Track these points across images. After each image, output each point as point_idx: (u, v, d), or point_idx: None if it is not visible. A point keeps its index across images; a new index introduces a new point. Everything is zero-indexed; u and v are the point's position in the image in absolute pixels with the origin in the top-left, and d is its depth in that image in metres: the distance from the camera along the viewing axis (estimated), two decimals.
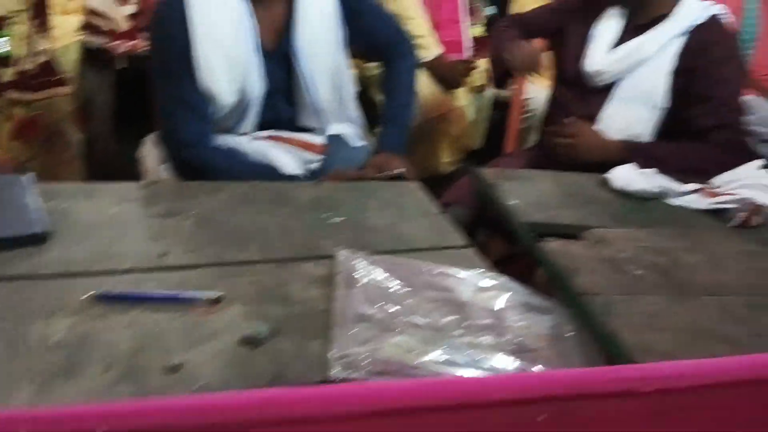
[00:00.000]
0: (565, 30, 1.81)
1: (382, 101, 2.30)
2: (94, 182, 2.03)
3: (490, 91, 2.68)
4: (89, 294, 0.88)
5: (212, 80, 1.33)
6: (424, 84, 2.35)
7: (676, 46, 1.63)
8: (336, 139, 1.60)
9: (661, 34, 1.64)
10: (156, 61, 1.37)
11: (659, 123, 1.66)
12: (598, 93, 1.69)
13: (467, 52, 2.51)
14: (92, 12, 2.23)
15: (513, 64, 1.72)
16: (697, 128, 1.61)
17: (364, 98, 2.39)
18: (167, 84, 1.35)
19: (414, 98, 1.63)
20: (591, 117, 1.69)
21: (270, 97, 1.46)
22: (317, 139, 1.54)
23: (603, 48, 1.69)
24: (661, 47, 1.63)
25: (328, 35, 1.47)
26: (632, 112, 1.65)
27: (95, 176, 2.20)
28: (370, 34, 1.58)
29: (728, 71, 1.62)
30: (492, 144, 2.61)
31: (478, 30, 2.68)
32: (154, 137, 1.50)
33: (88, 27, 2.22)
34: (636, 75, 1.65)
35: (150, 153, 1.48)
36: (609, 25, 1.71)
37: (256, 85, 1.39)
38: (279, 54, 1.45)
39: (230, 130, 1.45)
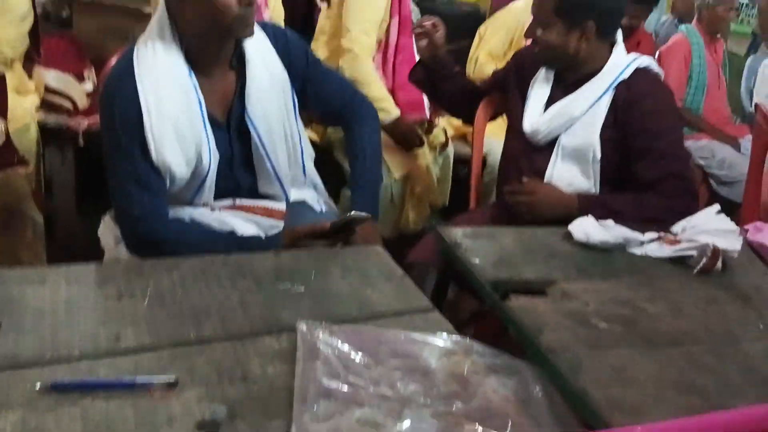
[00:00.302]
0: (507, 92, 1.88)
1: (346, 165, 2.36)
2: (56, 263, 2.01)
3: (452, 148, 2.73)
4: (39, 385, 0.84)
5: (163, 154, 1.33)
6: (386, 146, 2.38)
7: (606, 101, 1.68)
8: (299, 205, 1.59)
9: (589, 92, 1.68)
10: (107, 137, 1.36)
11: (604, 176, 1.69)
12: (543, 150, 1.73)
13: (427, 111, 2.55)
14: (50, 90, 2.23)
15: None
16: (644, 181, 1.65)
17: (329, 161, 2.42)
18: (118, 160, 1.34)
19: (380, 160, 1.65)
20: (540, 173, 1.73)
21: (227, 166, 1.46)
22: (279, 206, 1.54)
23: (537, 108, 1.74)
24: (590, 104, 1.67)
25: (280, 104, 1.48)
26: (574, 167, 1.69)
27: (58, 256, 2.16)
28: (323, 100, 1.60)
29: (663, 122, 1.66)
30: (459, 200, 2.63)
31: None
32: (111, 215, 1.48)
33: (46, 105, 2.22)
34: (571, 132, 1.69)
35: (108, 231, 1.46)
36: (542, 85, 1.76)
37: (209, 157, 1.39)
38: (231, 124, 1.46)
39: (188, 201, 1.44)
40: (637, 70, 1.69)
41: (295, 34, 1.55)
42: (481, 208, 1.98)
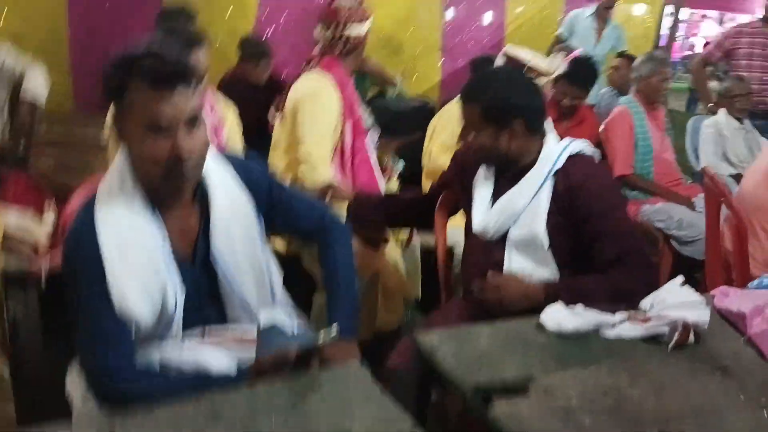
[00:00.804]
0: (456, 191, 1.94)
1: (315, 272, 2.36)
2: (26, 425, 1.93)
3: (418, 240, 2.75)
4: None
5: (128, 306, 1.30)
6: (355, 247, 2.40)
7: (546, 190, 1.72)
8: (269, 329, 1.57)
9: (528, 184, 1.73)
10: (70, 292, 1.33)
11: (560, 262, 1.72)
12: (497, 244, 1.77)
13: None
14: (9, 233, 2.20)
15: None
16: (604, 261, 1.68)
17: (297, 270, 2.41)
18: (82, 316, 1.31)
19: (354, 278, 1.63)
20: (498, 266, 1.76)
21: (195, 301, 1.44)
22: (249, 332, 1.51)
23: (484, 206, 1.79)
24: (531, 195, 1.72)
25: (246, 234, 1.48)
26: (529, 257, 1.72)
27: (28, 412, 2.07)
28: (292, 224, 1.61)
29: (608, 202, 1.70)
30: (433, 290, 2.63)
31: (395, 185, 2.81)
32: (77, 366, 1.44)
33: (5, 249, 2.19)
34: (518, 224, 1.73)
35: (75, 384, 1.41)
36: (484, 183, 1.81)
37: (174, 299, 1.38)
38: (197, 260, 1.45)
39: (156, 338, 1.42)
40: (571, 157, 1.74)
41: (257, 162, 1.58)
42: (453, 300, 1.98)
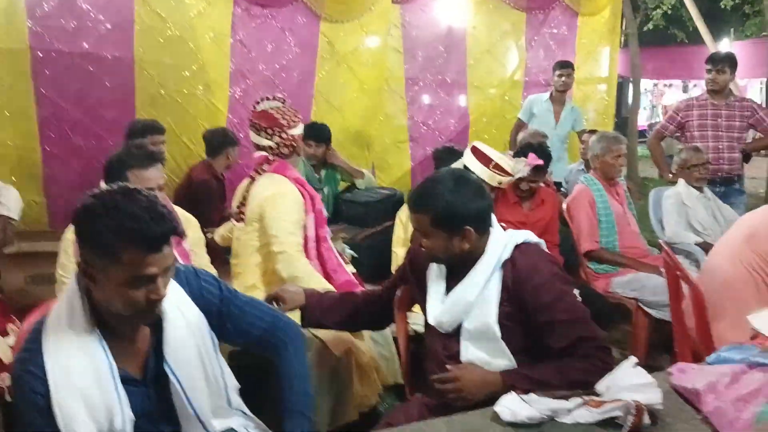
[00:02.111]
0: (411, 285, 1.98)
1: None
2: None
3: (390, 329, 2.75)
4: None
5: (74, 427, 1.33)
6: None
7: (495, 281, 1.76)
8: None
9: (477, 277, 1.77)
10: (20, 414, 1.36)
11: (514, 350, 1.74)
12: (453, 336, 1.80)
13: (360, 288, 2.63)
14: None
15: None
16: (557, 350, 1.71)
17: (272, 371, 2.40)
18: None
19: (309, 382, 1.66)
20: (455, 358, 1.78)
21: (147, 421, 1.46)
22: None
23: (438, 300, 1.83)
24: (481, 287, 1.76)
25: (198, 347, 1.52)
26: (483, 347, 1.75)
27: None
28: (244, 331, 1.64)
29: (554, 292, 1.74)
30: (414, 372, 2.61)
31: (350, 269, 2.88)
32: None
33: None
34: (471, 317, 1.76)
35: None
36: (436, 278, 1.86)
37: (121, 421, 1.39)
38: (148, 379, 1.48)
39: None
40: (517, 247, 1.79)
41: (208, 273, 1.63)
42: (415, 395, 1.98)
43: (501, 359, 1.74)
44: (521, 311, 1.74)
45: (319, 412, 2.43)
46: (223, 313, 1.59)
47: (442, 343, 1.82)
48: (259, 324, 1.66)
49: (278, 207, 2.51)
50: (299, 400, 1.60)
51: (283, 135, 2.58)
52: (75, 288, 1.40)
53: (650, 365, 2.94)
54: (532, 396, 1.53)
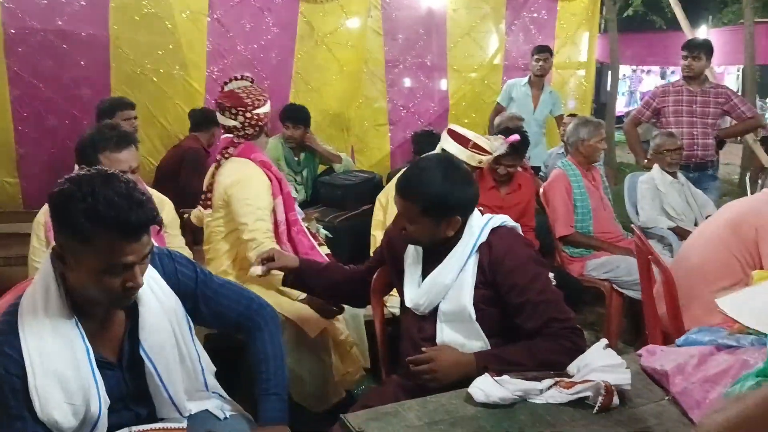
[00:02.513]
0: (387, 267, 1.99)
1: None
2: None
3: (361, 312, 2.76)
4: None
5: (49, 411, 1.33)
6: (298, 311, 2.44)
7: (472, 264, 1.78)
8: (202, 414, 1.59)
9: (454, 259, 1.79)
10: None
11: (489, 332, 1.77)
12: (429, 318, 1.82)
13: None
14: None
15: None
16: (529, 330, 1.74)
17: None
18: (4, 419, 1.33)
19: (284, 364, 1.67)
20: (431, 340, 1.80)
21: (122, 403, 1.46)
22: (180, 424, 1.52)
23: (414, 282, 1.84)
24: (458, 270, 1.78)
25: (173, 331, 1.52)
26: (458, 329, 1.77)
27: None
28: (219, 314, 1.64)
29: (528, 274, 1.76)
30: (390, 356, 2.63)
31: (324, 250, 2.87)
32: None
33: None
34: (448, 299, 1.78)
35: None
36: (413, 261, 1.87)
37: (98, 403, 1.40)
38: (123, 362, 1.48)
39: None
40: (494, 230, 1.81)
41: (182, 256, 1.63)
42: (389, 378, 2.00)
43: (476, 341, 1.77)
44: (496, 294, 1.77)
45: (305, 396, 2.45)
46: (198, 295, 1.59)
47: (417, 326, 1.84)
48: (235, 307, 1.66)
49: (245, 193, 2.47)
50: (274, 382, 1.61)
51: (248, 114, 2.52)
52: (50, 271, 1.39)
53: (622, 348, 3.01)
54: (505, 377, 1.56)
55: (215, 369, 1.66)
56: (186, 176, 3.66)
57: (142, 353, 1.46)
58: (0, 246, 2.74)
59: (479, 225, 1.81)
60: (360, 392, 2.72)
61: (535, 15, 5.67)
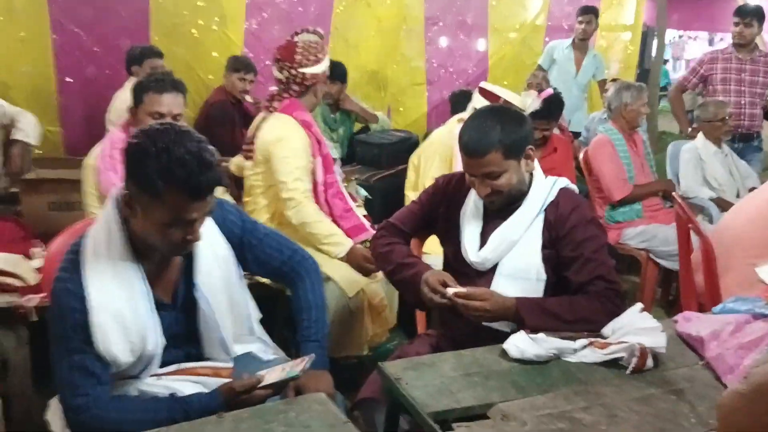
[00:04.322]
0: (435, 220, 1.97)
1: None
2: None
3: None
4: None
5: (109, 347, 1.39)
6: (338, 268, 2.47)
7: (539, 223, 1.81)
8: (245, 357, 1.64)
9: (521, 218, 1.81)
10: (54, 329, 1.42)
11: (545, 293, 1.78)
12: (484, 273, 1.82)
13: (370, 230, 2.66)
14: None
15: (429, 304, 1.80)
16: (574, 285, 1.75)
17: (284, 302, 2.46)
18: (64, 352, 1.39)
19: (325, 313, 1.72)
20: None
21: (174, 342, 1.52)
22: (226, 364, 1.58)
23: (475, 239, 1.84)
24: (526, 227, 1.80)
25: (226, 276, 1.58)
26: (517, 286, 1.77)
27: None
28: (263, 262, 1.69)
29: (587, 231, 1.79)
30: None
31: (361, 211, 2.89)
32: (57, 399, 1.49)
33: None
34: (512, 255, 1.80)
35: (55, 416, 1.47)
36: (473, 216, 1.86)
37: (154, 343, 1.46)
38: (178, 303, 1.54)
39: (134, 376, 1.48)
40: (561, 190, 1.84)
41: (230, 204, 1.67)
42: (431, 330, 2.02)
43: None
44: (556, 255, 1.78)
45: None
46: (244, 243, 1.64)
47: (469, 278, 1.81)
48: (278, 256, 1.71)
49: (285, 151, 2.48)
50: (315, 329, 1.66)
51: (293, 71, 2.53)
52: (113, 214, 1.44)
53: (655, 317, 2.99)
54: (540, 335, 1.57)
55: (260, 316, 1.71)
56: (216, 129, 3.69)
57: (196, 295, 1.52)
58: (45, 191, 2.80)
59: (548, 184, 1.84)
60: (385, 350, 2.75)
61: None
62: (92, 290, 1.39)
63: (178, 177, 1.32)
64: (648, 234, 3.38)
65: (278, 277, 1.77)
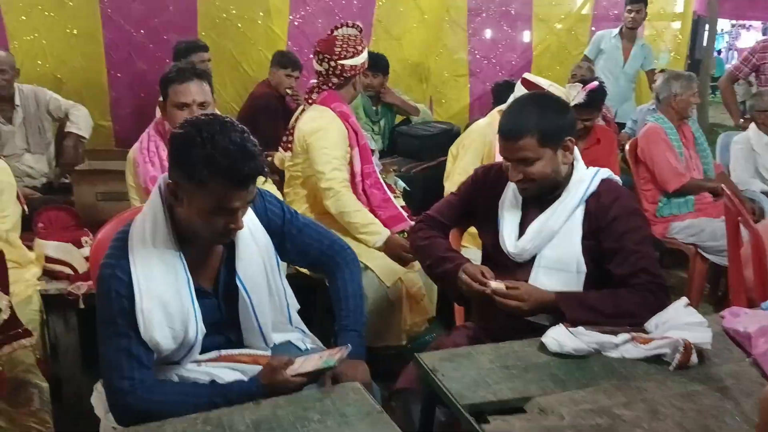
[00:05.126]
0: (474, 211, 1.96)
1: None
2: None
3: None
4: None
5: (152, 332, 1.43)
6: (376, 257, 2.49)
7: (580, 213, 1.77)
8: (284, 345, 1.67)
9: (562, 208, 1.77)
10: (100, 313, 1.46)
11: (587, 286, 1.75)
12: (523, 264, 1.80)
13: (408, 220, 2.67)
14: (50, 260, 2.36)
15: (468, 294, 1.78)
16: (617, 278, 1.71)
17: (323, 293, 2.49)
18: (110, 336, 1.43)
19: (363, 304, 1.73)
20: None
21: (214, 329, 1.56)
22: (264, 352, 1.61)
23: (514, 229, 1.82)
24: (566, 217, 1.76)
25: (266, 264, 1.60)
26: (556, 278, 1.75)
27: (65, 419, 2.20)
28: (302, 252, 1.71)
29: (629, 223, 1.74)
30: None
31: (399, 202, 2.91)
32: (100, 383, 1.54)
33: (47, 274, 2.34)
34: (551, 246, 1.77)
35: (99, 401, 1.52)
36: (512, 206, 1.84)
37: (195, 330, 1.49)
38: (219, 291, 1.57)
39: (175, 362, 1.52)
40: (603, 181, 1.80)
41: (271, 194, 1.70)
42: (469, 323, 2.01)
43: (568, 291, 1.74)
44: (597, 246, 1.75)
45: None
46: (285, 233, 1.66)
47: (508, 271, 1.79)
48: (317, 246, 1.73)
49: (323, 142, 2.52)
50: (353, 319, 1.67)
51: (332, 63, 2.57)
52: (159, 203, 1.48)
53: (702, 313, 2.92)
54: (580, 329, 1.55)
55: (299, 307, 1.73)
56: (260, 122, 3.74)
57: (238, 282, 1.55)
58: (96, 182, 2.89)
59: (589, 175, 1.81)
60: (422, 342, 2.75)
61: None
62: (139, 276, 1.42)
63: (222, 166, 1.35)
64: (696, 228, 3.29)
65: (317, 266, 1.79)
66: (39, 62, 3.99)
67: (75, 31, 4.03)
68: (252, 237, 1.58)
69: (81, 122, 3.40)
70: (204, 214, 1.41)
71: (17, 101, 3.34)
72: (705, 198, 3.45)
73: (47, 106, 3.41)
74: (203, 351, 1.55)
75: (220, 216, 1.42)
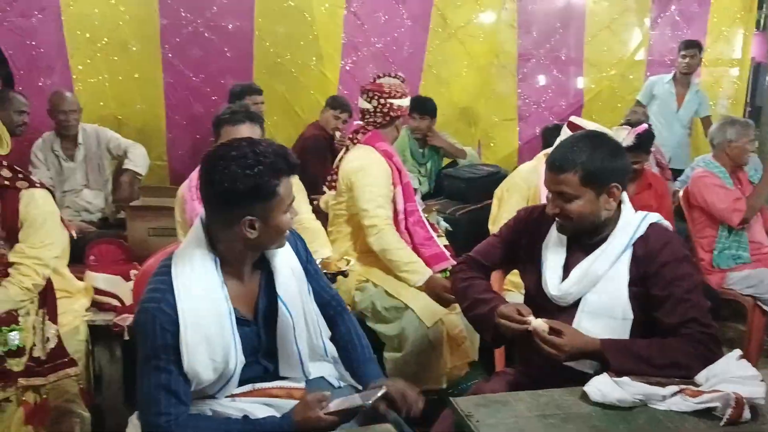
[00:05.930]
0: (517, 252, 1.91)
1: (381, 331, 2.48)
2: None
3: None
4: None
5: (194, 365, 1.43)
6: (416, 297, 2.48)
7: (627, 257, 1.71)
8: (317, 381, 1.66)
9: (608, 252, 1.72)
10: (143, 348, 1.46)
11: (633, 333, 1.68)
12: (566, 309, 1.74)
13: (451, 261, 2.64)
14: (99, 291, 2.43)
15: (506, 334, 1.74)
16: (666, 326, 1.64)
17: (363, 329, 2.47)
18: (152, 371, 1.44)
19: (367, 341, 1.78)
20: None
21: (253, 356, 1.56)
22: (298, 385, 1.60)
23: (557, 272, 1.77)
24: (612, 262, 1.71)
25: (302, 294, 1.62)
26: (601, 324, 1.68)
27: None
28: (317, 293, 1.73)
29: (679, 270, 1.67)
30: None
31: (443, 241, 2.91)
32: (137, 416, 1.55)
33: (95, 306, 2.41)
34: (596, 291, 1.71)
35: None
36: (556, 248, 1.79)
37: (235, 361, 1.50)
38: (258, 318, 1.58)
39: (211, 395, 1.52)
40: (651, 225, 1.74)
41: (296, 232, 1.72)
42: (510, 369, 1.95)
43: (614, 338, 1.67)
44: (645, 292, 1.68)
45: (403, 373, 2.47)
46: (307, 270, 1.69)
47: (551, 313, 1.73)
48: (328, 289, 1.79)
49: (367, 180, 2.57)
50: (369, 351, 1.73)
51: (382, 100, 2.66)
52: (201, 236, 1.52)
53: (762, 367, 2.77)
54: (625, 379, 1.48)
55: (330, 333, 1.72)
56: (309, 163, 3.81)
57: (280, 303, 1.56)
58: (148, 217, 2.98)
59: (637, 218, 1.75)
60: (463, 387, 2.68)
61: (684, 8, 5.30)
62: (184, 310, 1.43)
63: (275, 162, 1.44)
64: (754, 279, 3.14)
65: (325, 307, 1.76)
66: (101, 103, 4.18)
67: (136, 75, 4.22)
68: (288, 263, 1.61)
69: (138, 160, 3.54)
70: (281, 219, 1.48)
71: (80, 139, 3.51)
72: (763, 248, 3.30)
73: (108, 145, 3.57)
74: (240, 382, 1.55)
75: (287, 212, 1.50)
